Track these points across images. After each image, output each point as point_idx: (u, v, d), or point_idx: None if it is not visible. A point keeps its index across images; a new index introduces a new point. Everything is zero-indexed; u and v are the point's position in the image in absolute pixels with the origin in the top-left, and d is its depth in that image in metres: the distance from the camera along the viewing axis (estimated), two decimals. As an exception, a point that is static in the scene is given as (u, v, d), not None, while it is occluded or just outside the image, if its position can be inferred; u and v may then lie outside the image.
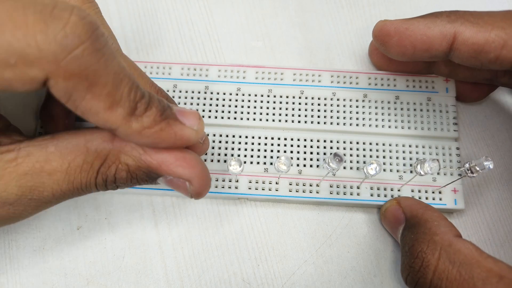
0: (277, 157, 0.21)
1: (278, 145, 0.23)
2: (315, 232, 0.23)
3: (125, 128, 0.16)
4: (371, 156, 0.23)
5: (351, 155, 0.23)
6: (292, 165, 0.20)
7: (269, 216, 0.23)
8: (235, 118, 0.24)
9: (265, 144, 0.23)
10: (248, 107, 0.24)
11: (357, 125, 0.23)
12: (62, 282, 0.22)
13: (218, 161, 0.23)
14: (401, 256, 0.20)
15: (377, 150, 0.23)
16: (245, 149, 0.23)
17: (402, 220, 0.21)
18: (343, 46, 0.26)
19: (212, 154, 0.23)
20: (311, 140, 0.23)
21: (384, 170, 0.23)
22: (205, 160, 0.23)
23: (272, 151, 0.23)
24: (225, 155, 0.23)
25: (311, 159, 0.23)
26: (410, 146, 0.23)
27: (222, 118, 0.24)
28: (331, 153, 0.19)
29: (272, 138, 0.23)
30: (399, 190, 0.22)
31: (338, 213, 0.23)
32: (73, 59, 0.14)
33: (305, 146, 0.23)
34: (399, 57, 0.22)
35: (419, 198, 0.22)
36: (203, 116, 0.23)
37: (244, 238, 0.23)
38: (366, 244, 0.22)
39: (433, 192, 0.22)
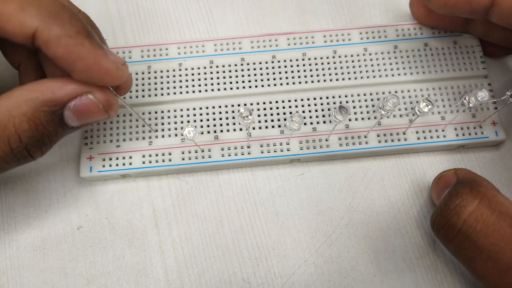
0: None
1: (321, 104, 0.24)
2: (315, 232, 0.23)
3: (45, 30, 0.14)
4: (411, 103, 0.24)
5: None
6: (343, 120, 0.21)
7: (269, 215, 0.23)
8: (268, 85, 0.24)
9: (309, 105, 0.24)
10: (280, 73, 0.24)
11: (392, 75, 0.24)
12: (62, 282, 0.22)
13: (260, 128, 0.23)
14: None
15: (415, 96, 0.24)
16: (290, 113, 0.23)
17: (453, 184, 0.21)
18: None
19: (259, 122, 0.23)
20: (346, 96, 0.24)
21: (432, 113, 0.24)
22: (260, 128, 0.23)
23: (316, 111, 0.24)
24: (265, 121, 0.23)
25: (355, 113, 0.24)
26: (446, 88, 0.24)
27: (256, 86, 0.24)
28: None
29: (315, 99, 0.24)
30: (443, 130, 0.23)
31: (337, 214, 0.23)
32: None
33: (340, 103, 0.24)
34: (440, 9, 0.22)
35: (463, 135, 0.23)
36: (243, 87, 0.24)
37: (244, 238, 0.23)
38: (366, 244, 0.22)
39: (474, 128, 0.23)
